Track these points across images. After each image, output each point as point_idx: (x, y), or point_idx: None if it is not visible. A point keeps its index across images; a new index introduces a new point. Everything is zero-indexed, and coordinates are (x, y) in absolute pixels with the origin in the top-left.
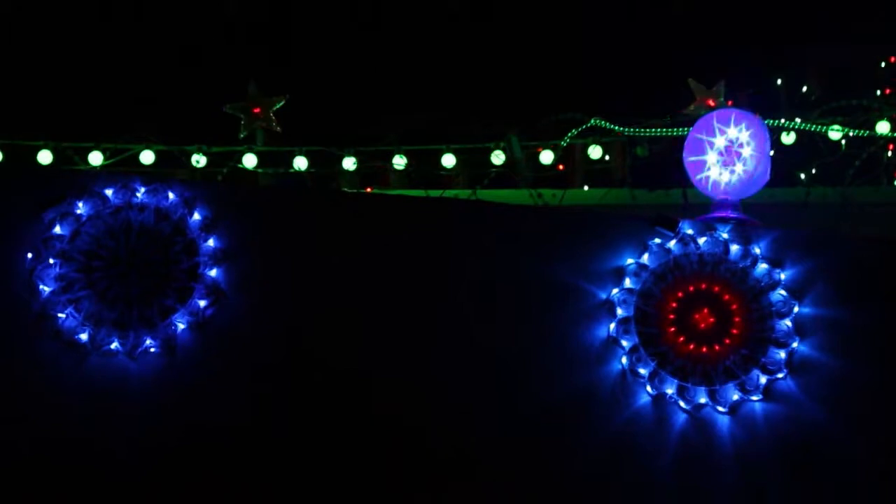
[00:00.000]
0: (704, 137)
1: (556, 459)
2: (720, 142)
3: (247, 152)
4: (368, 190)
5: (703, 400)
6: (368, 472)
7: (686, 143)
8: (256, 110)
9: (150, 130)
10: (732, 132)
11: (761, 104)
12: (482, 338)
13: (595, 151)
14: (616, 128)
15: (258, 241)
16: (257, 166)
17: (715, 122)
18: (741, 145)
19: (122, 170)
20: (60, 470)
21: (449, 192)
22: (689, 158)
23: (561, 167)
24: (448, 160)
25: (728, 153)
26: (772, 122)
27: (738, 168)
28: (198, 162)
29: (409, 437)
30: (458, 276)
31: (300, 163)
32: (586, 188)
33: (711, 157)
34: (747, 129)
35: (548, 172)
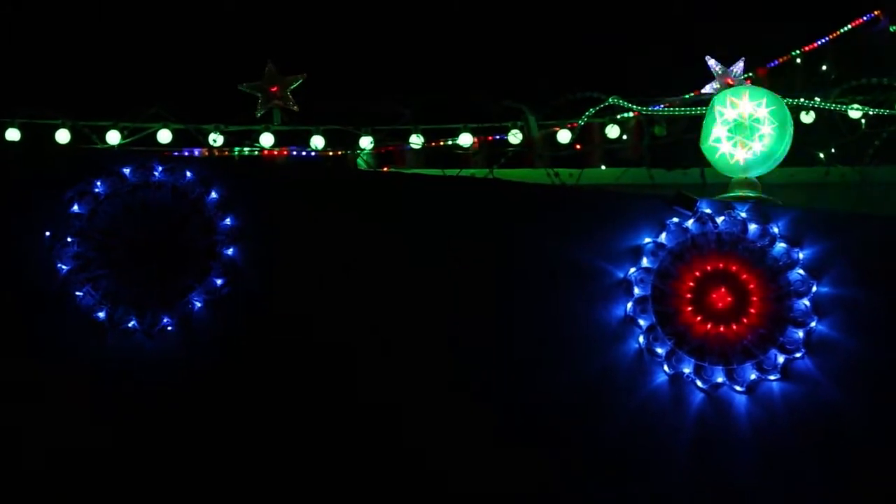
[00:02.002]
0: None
1: (575, 438)
2: (731, 115)
3: (264, 131)
4: (385, 169)
5: (720, 379)
6: (385, 449)
7: (705, 121)
8: (274, 89)
9: (168, 109)
10: (750, 109)
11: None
12: (499, 317)
13: (613, 131)
14: (634, 107)
15: (274, 220)
16: (274, 145)
17: (728, 98)
18: (758, 122)
19: (141, 149)
20: (78, 447)
21: (466, 172)
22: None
23: (578, 147)
24: (465, 139)
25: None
26: (791, 101)
27: (755, 145)
28: (215, 141)
29: (428, 416)
30: (475, 255)
31: (317, 142)
32: (603, 167)
33: (722, 132)
34: (766, 105)
35: (565, 151)
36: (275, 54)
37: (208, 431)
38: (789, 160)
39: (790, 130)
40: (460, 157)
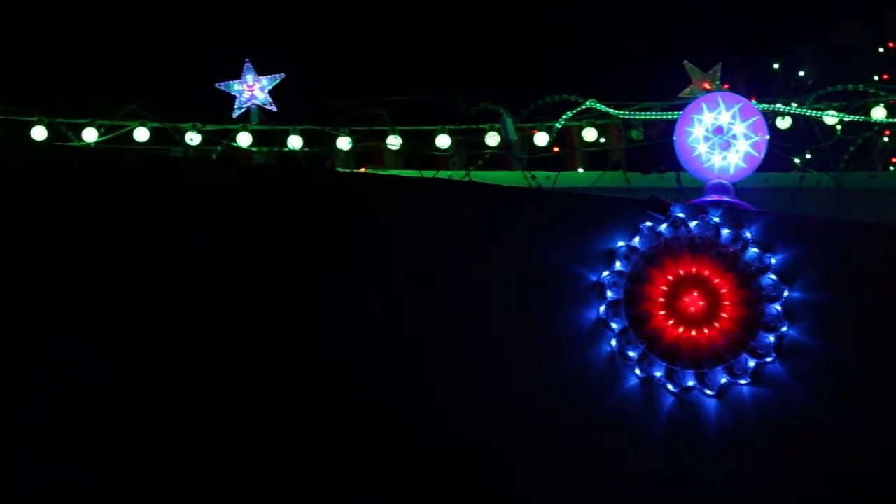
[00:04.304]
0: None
1: (545, 441)
2: (707, 119)
3: (241, 131)
4: (363, 169)
5: (691, 383)
6: (348, 447)
7: (678, 125)
8: (251, 88)
9: (145, 107)
10: (724, 117)
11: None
12: (472, 320)
13: (590, 134)
14: (611, 111)
15: (248, 221)
16: (251, 145)
17: (705, 105)
18: (732, 128)
19: (117, 147)
20: None
21: (443, 173)
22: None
23: (556, 149)
24: (443, 140)
25: (719, 133)
26: (767, 106)
27: (733, 151)
28: (192, 140)
29: (397, 420)
30: (450, 257)
31: (294, 142)
32: (581, 170)
33: (704, 139)
34: (740, 112)
35: (543, 154)
36: (253, 53)
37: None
38: (765, 165)
39: (765, 137)
40: (438, 158)
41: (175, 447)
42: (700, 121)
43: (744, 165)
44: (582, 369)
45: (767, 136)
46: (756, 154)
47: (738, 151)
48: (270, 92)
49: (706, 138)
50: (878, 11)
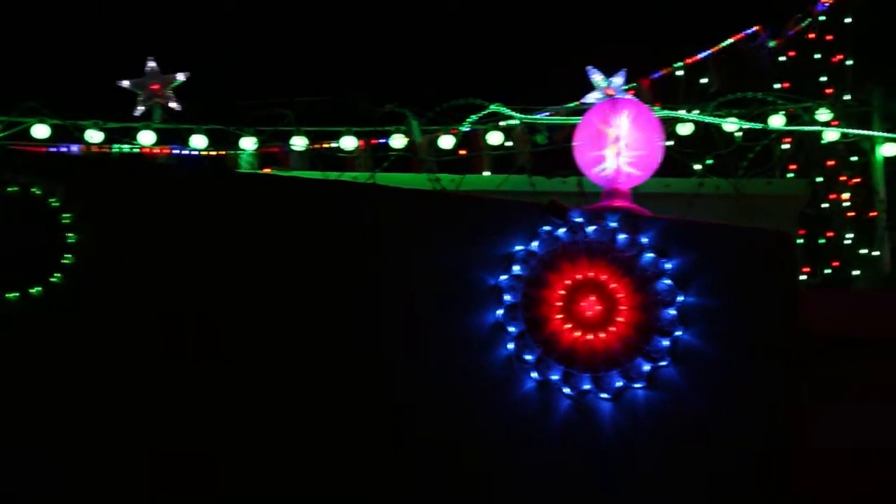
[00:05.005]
0: (598, 124)
1: (443, 441)
2: (611, 131)
3: (144, 129)
4: (267, 170)
5: (587, 386)
6: (249, 448)
7: (577, 131)
8: (155, 87)
9: (45, 104)
10: (618, 121)
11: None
12: (372, 320)
13: (495, 137)
14: (516, 115)
15: (148, 221)
16: (154, 144)
17: (605, 112)
18: (625, 135)
19: (16, 144)
20: None
21: (348, 175)
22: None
23: (463, 152)
24: (348, 142)
25: (615, 141)
26: (668, 112)
27: (624, 156)
28: (91, 137)
29: (293, 421)
30: (352, 259)
31: (198, 141)
32: (487, 174)
33: (603, 145)
34: (632, 118)
35: (449, 157)
36: (157, 52)
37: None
38: (665, 171)
39: (661, 143)
40: (344, 159)
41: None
42: (599, 126)
43: (638, 172)
44: (479, 372)
45: (663, 142)
46: (652, 160)
47: (633, 156)
48: (174, 91)
49: (605, 143)
50: (780, 21)
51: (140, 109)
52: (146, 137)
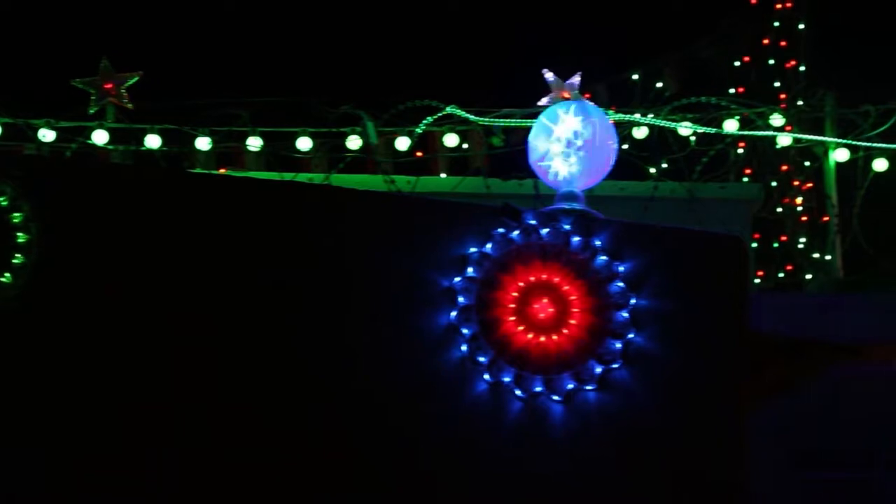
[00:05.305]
0: (547, 123)
1: (395, 443)
2: (561, 132)
3: (97, 128)
4: (222, 171)
5: (539, 389)
6: (204, 449)
7: (530, 133)
8: (108, 86)
9: None
10: (572, 123)
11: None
12: (326, 323)
13: (451, 139)
14: (471, 117)
15: (99, 221)
16: (108, 143)
17: (558, 113)
18: (581, 137)
19: None
20: None
21: (302, 176)
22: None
23: (419, 154)
24: (303, 143)
25: (569, 144)
26: (623, 116)
27: (577, 159)
28: (44, 136)
29: (250, 427)
30: (306, 260)
31: (152, 141)
32: (443, 175)
33: (555, 148)
34: (587, 120)
35: (404, 158)
36: (110, 50)
37: None
38: (621, 174)
39: (614, 146)
40: (300, 160)
41: None
42: (551, 129)
43: (590, 176)
44: (432, 374)
45: (616, 145)
46: (605, 163)
47: (584, 159)
48: (128, 90)
49: (558, 146)
50: (735, 26)
51: (94, 109)
52: (100, 137)
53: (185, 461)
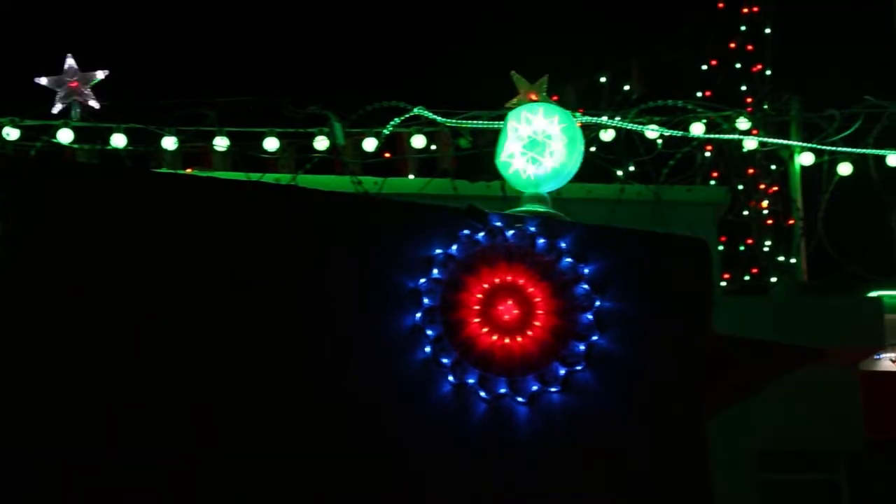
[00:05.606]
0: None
1: (358, 444)
2: (528, 134)
3: (62, 127)
4: (189, 170)
5: (503, 390)
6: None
7: (498, 134)
8: (73, 84)
9: None
10: (540, 125)
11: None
12: (289, 324)
13: (418, 141)
14: (438, 118)
15: (63, 221)
16: (73, 142)
17: (525, 115)
18: (549, 138)
19: None
20: None
21: (269, 176)
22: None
23: (388, 155)
24: (271, 143)
25: (536, 146)
26: (590, 118)
27: (546, 161)
28: (8, 135)
29: (212, 425)
30: (271, 261)
31: (118, 140)
32: (411, 177)
33: (522, 150)
34: (558, 122)
35: (372, 160)
36: (76, 48)
37: None
38: (588, 177)
39: (580, 148)
40: (267, 161)
41: None
42: (517, 131)
43: (557, 178)
44: (397, 375)
45: (582, 148)
46: (572, 165)
47: (552, 161)
48: (94, 89)
49: (525, 148)
50: (703, 31)
51: (58, 107)
52: (65, 136)
53: (136, 463)
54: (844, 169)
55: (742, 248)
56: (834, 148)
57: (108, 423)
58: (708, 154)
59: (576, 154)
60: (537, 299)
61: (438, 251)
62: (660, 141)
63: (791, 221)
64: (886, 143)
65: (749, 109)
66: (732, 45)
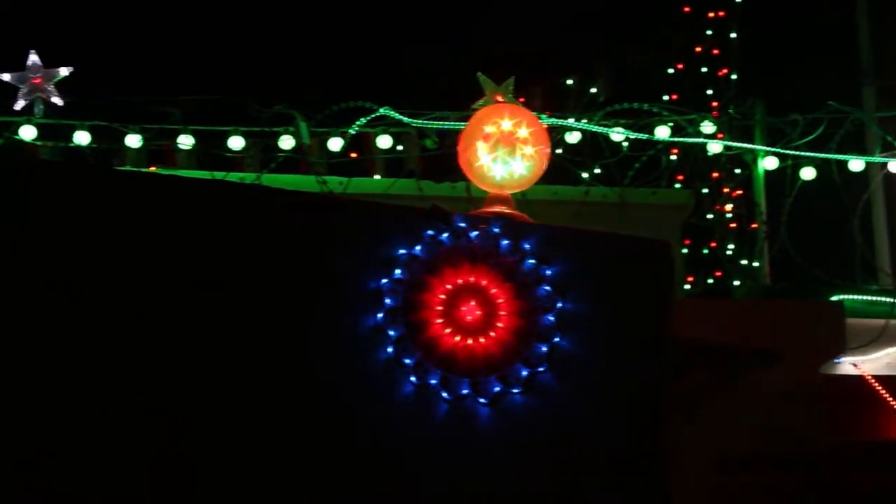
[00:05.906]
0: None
1: (318, 444)
2: (494, 134)
3: (25, 123)
4: (153, 169)
5: (465, 391)
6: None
7: (462, 135)
8: (36, 80)
9: None
10: (505, 126)
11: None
12: (250, 323)
13: (384, 141)
14: (405, 118)
15: (26, 217)
16: (36, 139)
17: (490, 116)
18: (518, 140)
19: None
20: None
21: (234, 175)
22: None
23: (354, 155)
24: (236, 142)
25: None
26: (556, 120)
27: (514, 163)
28: None
29: (172, 427)
30: (234, 260)
31: (81, 137)
32: (377, 177)
33: (487, 150)
34: (525, 125)
35: (338, 160)
36: (39, 44)
37: None
38: (553, 178)
39: (545, 150)
40: (232, 159)
41: None
42: (483, 132)
43: (525, 176)
44: (358, 375)
45: (548, 150)
46: (538, 166)
47: (519, 161)
48: (57, 85)
49: (491, 148)
50: (669, 34)
51: (21, 104)
52: (27, 132)
53: (106, 462)
54: (808, 173)
55: (706, 251)
56: (797, 152)
57: (83, 423)
58: (673, 157)
59: (542, 156)
60: (500, 300)
61: (402, 251)
62: (625, 144)
63: (754, 225)
64: (849, 149)
65: (714, 113)
66: (698, 50)
